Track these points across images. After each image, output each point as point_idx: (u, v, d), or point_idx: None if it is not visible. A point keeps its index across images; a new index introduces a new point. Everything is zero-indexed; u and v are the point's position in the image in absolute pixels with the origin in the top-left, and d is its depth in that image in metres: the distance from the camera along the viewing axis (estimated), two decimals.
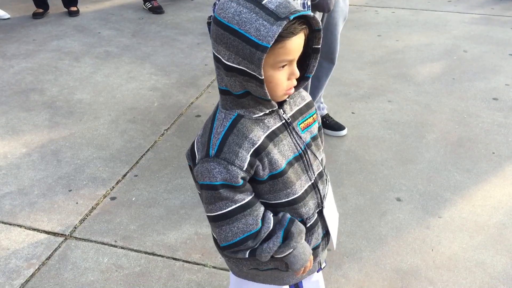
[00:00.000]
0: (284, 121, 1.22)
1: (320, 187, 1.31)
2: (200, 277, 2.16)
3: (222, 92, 1.17)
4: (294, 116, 1.25)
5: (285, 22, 1.01)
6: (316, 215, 1.30)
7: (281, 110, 1.22)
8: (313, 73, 1.20)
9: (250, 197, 1.20)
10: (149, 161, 2.96)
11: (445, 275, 2.16)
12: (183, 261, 2.25)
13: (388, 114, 3.42)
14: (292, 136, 1.23)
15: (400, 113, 3.43)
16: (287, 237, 1.22)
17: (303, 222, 1.28)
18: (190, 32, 4.90)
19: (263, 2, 1.03)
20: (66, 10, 5.35)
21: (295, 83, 1.15)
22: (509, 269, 2.19)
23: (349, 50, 4.34)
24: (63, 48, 4.52)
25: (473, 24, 5.01)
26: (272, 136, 1.19)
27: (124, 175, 2.84)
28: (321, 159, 1.34)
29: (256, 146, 1.15)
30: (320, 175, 1.32)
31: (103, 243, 2.35)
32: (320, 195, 1.31)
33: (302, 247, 1.26)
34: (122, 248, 2.33)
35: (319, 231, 1.33)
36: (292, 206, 1.25)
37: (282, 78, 1.12)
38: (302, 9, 1.06)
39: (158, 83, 3.90)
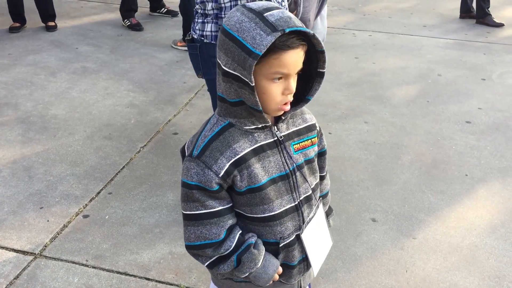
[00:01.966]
0: (276, 138, 1.23)
1: (305, 211, 1.30)
2: None
3: (219, 98, 1.20)
4: (289, 136, 1.26)
5: (279, 34, 1.05)
6: (293, 237, 1.28)
7: (275, 127, 1.23)
8: (314, 96, 1.23)
9: (222, 207, 1.21)
10: (124, 179, 2.92)
11: None
12: (156, 281, 2.21)
13: (365, 135, 3.45)
14: (282, 154, 1.23)
15: (376, 134, 3.47)
16: (239, 263, 1.23)
17: (276, 242, 1.27)
18: (169, 50, 4.89)
19: (265, 14, 1.08)
20: (43, 24, 5.30)
21: (290, 99, 1.16)
22: None
23: (327, 71, 4.34)
24: (39, 63, 4.47)
25: (447, 49, 5.14)
26: (258, 151, 1.20)
27: (98, 193, 2.79)
28: (315, 184, 1.34)
29: (237, 156, 1.17)
30: (308, 199, 1.30)
31: (74, 263, 2.30)
32: (303, 219, 1.29)
33: (262, 268, 1.25)
34: (93, 267, 2.27)
35: (295, 254, 1.30)
36: (267, 222, 1.24)
37: (276, 91, 1.13)
38: (301, 25, 1.08)
39: (136, 100, 3.87)
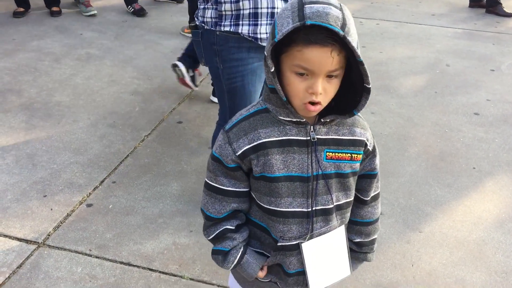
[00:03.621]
0: (309, 138, 1.17)
1: (318, 223, 1.22)
2: None
3: (265, 82, 1.18)
4: (326, 141, 1.18)
5: (298, 24, 1.00)
6: (294, 242, 1.23)
7: (311, 127, 1.17)
8: (360, 111, 1.13)
9: (231, 188, 1.23)
10: (128, 168, 2.90)
11: None
12: (160, 272, 2.19)
13: (371, 126, 3.37)
14: (309, 156, 1.17)
15: (383, 126, 3.43)
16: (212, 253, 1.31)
17: (275, 240, 1.24)
18: (174, 37, 4.85)
19: (306, 6, 1.03)
20: (47, 10, 5.25)
21: (316, 99, 1.08)
22: (488, 286, 2.19)
23: None
24: (43, 48, 4.43)
25: (456, 38, 5.07)
26: (285, 143, 1.16)
27: (102, 181, 2.77)
28: (345, 203, 1.25)
29: (259, 141, 1.16)
30: (325, 212, 1.22)
31: (77, 252, 2.28)
32: (312, 229, 1.22)
33: (239, 268, 1.28)
34: (97, 257, 2.26)
35: (293, 261, 1.25)
36: (270, 216, 1.22)
37: (298, 87, 1.08)
38: (335, 25, 1.00)
39: (140, 87, 3.84)
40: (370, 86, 1.08)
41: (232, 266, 1.27)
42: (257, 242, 1.30)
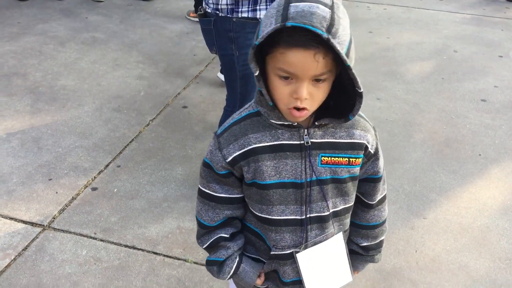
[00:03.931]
0: (302, 142, 1.10)
1: (313, 231, 1.16)
2: (181, 272, 2.12)
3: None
4: (321, 145, 1.11)
5: (278, 26, 0.92)
6: (288, 252, 1.18)
7: (305, 130, 1.10)
8: (355, 115, 1.06)
9: (224, 195, 1.19)
10: (133, 152, 2.90)
11: (428, 277, 2.15)
12: (164, 255, 2.21)
13: (377, 112, 3.39)
14: (303, 161, 1.11)
15: (389, 112, 3.41)
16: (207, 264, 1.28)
17: (269, 248, 1.21)
18: (179, 21, 4.82)
19: (291, 4, 0.95)
20: None
21: (301, 105, 1.00)
22: (491, 272, 2.19)
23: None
24: (48, 32, 4.42)
25: (464, 24, 5.01)
26: (277, 148, 1.10)
27: (107, 165, 2.77)
28: (343, 209, 1.19)
29: (249, 147, 1.10)
30: (320, 219, 1.16)
31: (82, 235, 2.30)
32: (306, 237, 1.17)
33: (238, 278, 1.25)
34: (101, 240, 2.27)
35: (287, 270, 1.21)
36: (262, 224, 1.18)
37: (283, 91, 1.00)
38: (319, 26, 0.91)
39: (145, 71, 3.83)
40: (361, 90, 0.99)
41: (229, 276, 1.23)
42: (252, 248, 1.26)
